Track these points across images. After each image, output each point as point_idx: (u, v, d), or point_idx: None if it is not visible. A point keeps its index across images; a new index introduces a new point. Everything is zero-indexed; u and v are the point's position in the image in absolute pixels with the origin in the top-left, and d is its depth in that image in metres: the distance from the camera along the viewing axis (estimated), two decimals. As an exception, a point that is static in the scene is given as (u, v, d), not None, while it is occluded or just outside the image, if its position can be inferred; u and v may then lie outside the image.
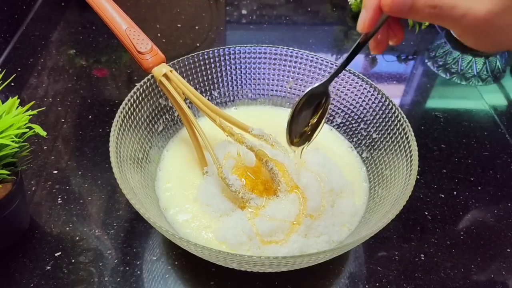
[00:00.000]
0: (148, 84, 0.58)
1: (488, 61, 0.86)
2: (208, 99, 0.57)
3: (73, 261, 0.54)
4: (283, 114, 0.67)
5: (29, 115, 0.50)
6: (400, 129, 0.56)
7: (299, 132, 0.53)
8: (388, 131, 0.58)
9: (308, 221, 0.52)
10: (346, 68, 0.61)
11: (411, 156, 0.52)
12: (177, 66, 0.61)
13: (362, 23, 0.39)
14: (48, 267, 0.53)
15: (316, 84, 0.48)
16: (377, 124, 0.60)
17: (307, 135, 0.53)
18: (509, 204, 0.65)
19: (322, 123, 0.51)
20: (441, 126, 0.77)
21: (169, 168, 0.59)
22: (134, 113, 0.56)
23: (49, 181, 0.63)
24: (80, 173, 0.64)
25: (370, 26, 0.39)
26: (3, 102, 0.51)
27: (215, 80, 0.66)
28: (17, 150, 0.50)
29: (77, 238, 0.56)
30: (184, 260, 0.55)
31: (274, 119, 0.67)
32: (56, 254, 0.55)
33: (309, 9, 1.05)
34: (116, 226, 0.58)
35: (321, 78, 0.64)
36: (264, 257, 0.41)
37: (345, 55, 0.92)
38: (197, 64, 0.63)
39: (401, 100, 0.83)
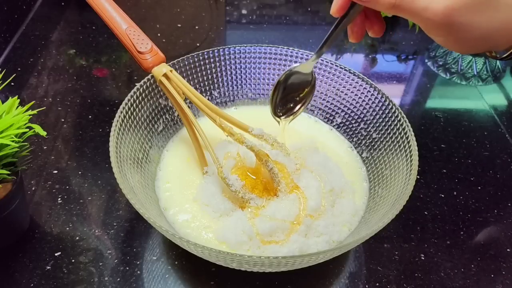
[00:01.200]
0: (148, 84, 0.58)
1: (488, 61, 0.86)
2: (208, 99, 0.57)
3: (73, 261, 0.54)
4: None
5: (29, 115, 0.50)
6: (400, 129, 0.56)
7: (284, 106, 0.56)
8: (388, 131, 0.58)
9: (308, 221, 0.52)
10: (346, 68, 0.62)
11: (411, 156, 0.52)
12: (177, 66, 0.61)
13: (333, 7, 0.42)
14: (48, 267, 0.53)
15: (298, 64, 0.53)
16: (377, 124, 0.60)
17: (292, 110, 0.57)
18: (509, 204, 0.65)
19: (308, 101, 0.56)
20: (441, 126, 0.77)
21: (169, 168, 0.59)
22: (134, 113, 0.56)
23: (49, 181, 0.63)
24: (80, 173, 0.64)
25: (340, 10, 0.42)
26: (3, 102, 0.51)
27: (215, 80, 0.66)
28: (17, 150, 0.50)
29: (77, 238, 0.56)
30: (184, 260, 0.55)
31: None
32: (56, 254, 0.55)
33: (309, 9, 1.05)
34: (116, 226, 0.58)
35: (321, 77, 0.64)
36: (264, 257, 0.41)
37: (345, 55, 0.93)
38: (197, 64, 0.63)
39: (401, 100, 0.83)
